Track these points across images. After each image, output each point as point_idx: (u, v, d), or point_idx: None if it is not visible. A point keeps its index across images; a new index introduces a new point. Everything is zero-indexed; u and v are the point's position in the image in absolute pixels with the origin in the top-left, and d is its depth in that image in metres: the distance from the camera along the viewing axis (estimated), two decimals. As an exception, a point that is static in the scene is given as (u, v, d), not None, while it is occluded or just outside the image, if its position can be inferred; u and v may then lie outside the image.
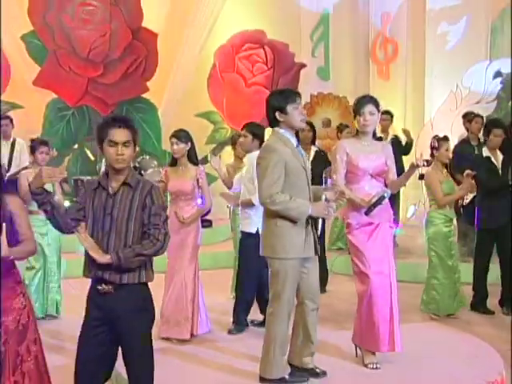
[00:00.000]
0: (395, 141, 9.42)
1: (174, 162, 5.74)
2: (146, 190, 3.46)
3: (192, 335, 5.60)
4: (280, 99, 4.28)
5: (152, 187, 3.50)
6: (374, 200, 4.51)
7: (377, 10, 13.23)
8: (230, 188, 6.28)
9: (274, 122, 4.32)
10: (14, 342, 3.34)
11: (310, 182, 4.32)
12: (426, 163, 4.85)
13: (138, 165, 10.22)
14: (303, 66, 12.81)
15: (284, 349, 4.36)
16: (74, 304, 4.89)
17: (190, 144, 5.66)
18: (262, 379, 4.36)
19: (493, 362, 4.81)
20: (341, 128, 9.13)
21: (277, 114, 4.26)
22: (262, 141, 5.66)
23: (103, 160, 10.50)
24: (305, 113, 4.37)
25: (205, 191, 5.70)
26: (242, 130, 6.06)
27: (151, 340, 3.54)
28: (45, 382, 3.49)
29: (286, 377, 4.35)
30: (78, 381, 3.50)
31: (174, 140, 5.64)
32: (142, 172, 10.21)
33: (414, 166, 4.61)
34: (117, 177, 3.49)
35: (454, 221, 6.87)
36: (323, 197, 4.17)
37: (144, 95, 11.79)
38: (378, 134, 8.61)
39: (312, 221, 4.26)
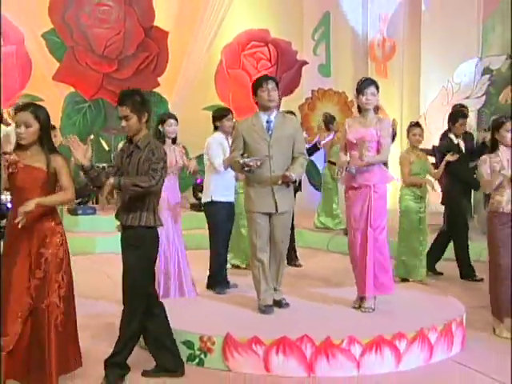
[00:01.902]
0: None
1: (163, 142, 6.27)
2: (149, 148, 4.35)
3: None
4: (254, 85, 5.39)
5: (155, 146, 4.38)
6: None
7: (375, 11, 13.94)
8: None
9: (256, 103, 5.40)
10: (53, 271, 4.10)
11: (273, 152, 5.21)
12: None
13: None
14: (305, 63, 13.49)
15: (260, 287, 5.38)
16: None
17: None
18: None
19: (454, 308, 5.52)
20: (327, 120, 10.03)
21: (254, 96, 5.38)
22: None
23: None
24: (272, 94, 5.26)
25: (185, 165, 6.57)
26: (227, 115, 6.72)
27: (143, 273, 4.40)
28: (72, 308, 4.25)
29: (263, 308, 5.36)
30: None
31: (173, 121, 6.38)
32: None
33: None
34: (133, 140, 4.42)
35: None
36: (241, 161, 5.17)
37: (155, 90, 12.54)
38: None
39: (273, 185, 5.21)
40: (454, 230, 7.70)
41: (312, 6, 13.79)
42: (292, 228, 8.30)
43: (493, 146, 5.57)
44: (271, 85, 5.26)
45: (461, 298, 6.01)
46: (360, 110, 5.53)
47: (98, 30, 12.15)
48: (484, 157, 5.55)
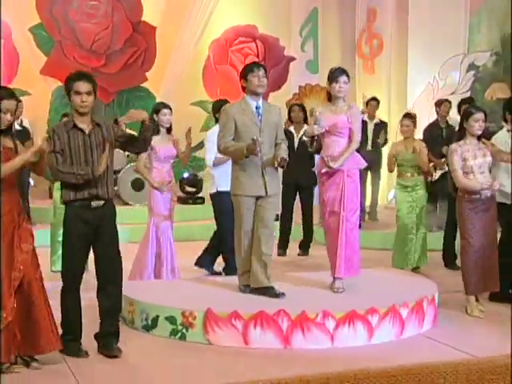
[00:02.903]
0: (380, 125, 10.36)
1: (157, 131, 6.38)
2: (108, 125, 4.53)
3: None
4: (244, 70, 5.45)
5: (110, 123, 4.59)
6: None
7: (363, 7, 14.02)
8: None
9: (243, 88, 5.44)
10: (33, 243, 4.30)
11: (263, 136, 5.27)
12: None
13: None
14: (292, 59, 13.57)
15: (240, 269, 5.49)
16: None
17: None
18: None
19: (427, 287, 5.67)
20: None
21: (242, 81, 5.42)
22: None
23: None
24: (263, 80, 5.33)
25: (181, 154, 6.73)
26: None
27: None
28: None
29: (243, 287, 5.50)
30: (70, 279, 4.52)
31: (167, 111, 6.50)
32: None
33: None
34: (83, 119, 4.43)
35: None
36: (255, 137, 5.15)
37: (143, 85, 12.62)
38: (364, 119, 9.59)
39: (263, 168, 5.28)
40: (450, 220, 7.73)
41: (300, 3, 13.85)
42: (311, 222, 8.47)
43: (460, 135, 5.73)
44: (262, 71, 5.36)
45: (440, 282, 6.10)
46: (330, 98, 5.64)
47: (86, 24, 12.19)
48: (454, 146, 5.68)
